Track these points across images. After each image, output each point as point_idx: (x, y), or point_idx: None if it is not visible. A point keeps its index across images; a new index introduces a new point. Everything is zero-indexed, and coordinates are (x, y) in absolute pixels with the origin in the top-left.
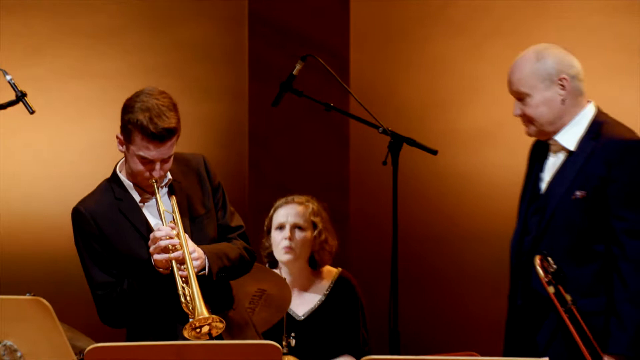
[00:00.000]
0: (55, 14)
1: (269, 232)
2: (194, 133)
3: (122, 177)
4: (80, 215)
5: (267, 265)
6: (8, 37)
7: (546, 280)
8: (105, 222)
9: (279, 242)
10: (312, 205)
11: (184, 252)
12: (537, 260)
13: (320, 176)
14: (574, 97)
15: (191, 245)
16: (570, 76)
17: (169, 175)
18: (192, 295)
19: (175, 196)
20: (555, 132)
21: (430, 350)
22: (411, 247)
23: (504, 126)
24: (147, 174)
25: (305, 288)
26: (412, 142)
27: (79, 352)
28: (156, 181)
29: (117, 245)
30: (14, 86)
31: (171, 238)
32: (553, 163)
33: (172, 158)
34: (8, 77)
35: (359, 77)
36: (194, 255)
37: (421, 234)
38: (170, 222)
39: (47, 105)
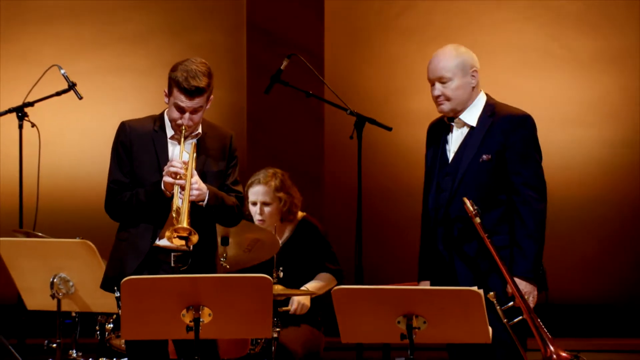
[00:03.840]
0: (96, 22)
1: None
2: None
3: (165, 117)
4: (122, 126)
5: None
6: (62, 40)
7: (474, 213)
8: (137, 139)
9: (254, 214)
10: (275, 182)
11: (187, 182)
12: (467, 200)
13: (302, 148)
14: (477, 86)
15: (197, 179)
16: (477, 70)
17: (200, 130)
18: (182, 210)
19: (198, 148)
20: (461, 111)
21: (386, 282)
22: (372, 201)
23: None
24: (180, 120)
25: (278, 233)
26: (372, 121)
27: None
28: (185, 128)
29: (135, 161)
30: (66, 78)
31: (180, 169)
32: (457, 137)
33: (200, 112)
34: (62, 71)
35: (331, 71)
36: (195, 186)
37: (380, 191)
38: (184, 161)
39: (91, 93)
